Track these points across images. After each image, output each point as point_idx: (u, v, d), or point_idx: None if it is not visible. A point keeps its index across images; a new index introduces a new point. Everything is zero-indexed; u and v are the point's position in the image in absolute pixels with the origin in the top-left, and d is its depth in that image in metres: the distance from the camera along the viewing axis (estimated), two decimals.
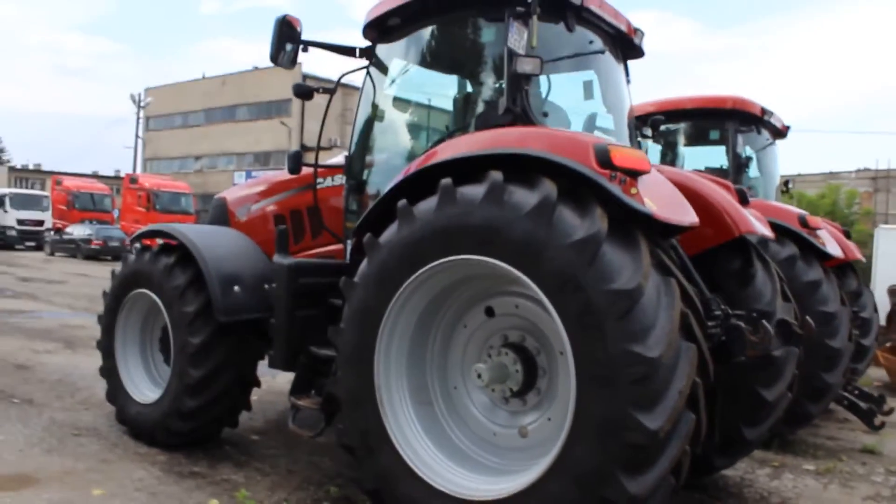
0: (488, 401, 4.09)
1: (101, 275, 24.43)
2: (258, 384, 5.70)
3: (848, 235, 8.65)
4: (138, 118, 53.88)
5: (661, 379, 3.13)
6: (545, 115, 4.46)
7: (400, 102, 5.24)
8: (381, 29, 5.00)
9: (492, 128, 4.12)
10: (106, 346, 6.06)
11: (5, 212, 38.68)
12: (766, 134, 8.43)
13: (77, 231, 35.32)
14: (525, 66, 4.06)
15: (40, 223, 39.86)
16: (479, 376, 3.86)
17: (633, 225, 3.43)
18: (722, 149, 8.04)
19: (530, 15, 4.08)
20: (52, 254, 35.53)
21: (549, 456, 3.37)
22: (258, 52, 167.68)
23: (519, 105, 4.17)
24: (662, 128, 6.85)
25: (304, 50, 4.94)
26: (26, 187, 53.97)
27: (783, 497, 5.38)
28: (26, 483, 4.67)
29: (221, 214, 6.51)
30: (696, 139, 8.48)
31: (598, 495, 3.16)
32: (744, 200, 4.94)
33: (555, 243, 3.31)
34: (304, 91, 5.03)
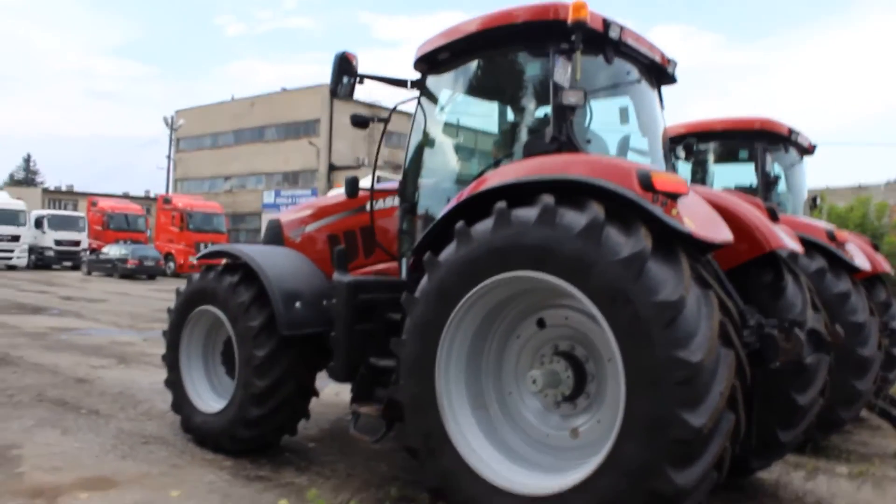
0: (541, 405, 4.38)
1: (139, 293, 24.95)
2: (317, 394, 6.00)
3: (877, 248, 8.73)
4: (171, 140, 54.19)
5: (704, 381, 3.43)
6: (588, 142, 4.76)
7: (449, 129, 5.54)
8: (431, 62, 5.34)
9: (538, 155, 4.43)
10: (171, 360, 6.37)
11: (43, 233, 39.30)
12: (793, 152, 8.62)
13: (113, 251, 35.81)
14: (570, 98, 4.35)
15: (77, 243, 40.44)
16: (534, 382, 4.17)
17: (674, 242, 3.72)
18: (751, 167, 8.25)
19: (574, 50, 4.36)
20: (89, 273, 36.11)
21: (600, 454, 3.66)
22: (284, 72, 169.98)
23: (564, 134, 4.46)
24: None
25: (360, 82, 5.26)
26: (59, 208, 54.51)
27: (818, 497, 5.54)
28: (109, 485, 5.00)
29: (276, 235, 6.83)
30: (726, 158, 8.66)
31: (647, 488, 3.44)
32: (774, 217, 5.15)
33: (604, 260, 3.62)
34: (361, 121, 5.43)
